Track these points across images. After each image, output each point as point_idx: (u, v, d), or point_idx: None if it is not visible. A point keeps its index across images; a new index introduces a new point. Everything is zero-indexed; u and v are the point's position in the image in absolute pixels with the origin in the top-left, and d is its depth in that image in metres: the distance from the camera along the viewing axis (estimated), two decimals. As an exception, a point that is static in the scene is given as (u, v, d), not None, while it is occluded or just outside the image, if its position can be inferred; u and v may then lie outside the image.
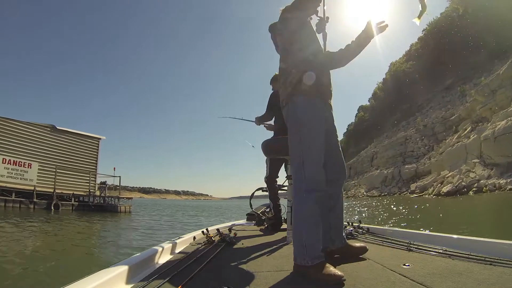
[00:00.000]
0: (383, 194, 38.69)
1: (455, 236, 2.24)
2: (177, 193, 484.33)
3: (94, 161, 23.92)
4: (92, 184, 22.81)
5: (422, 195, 27.43)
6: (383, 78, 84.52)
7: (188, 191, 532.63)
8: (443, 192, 22.90)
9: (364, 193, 44.12)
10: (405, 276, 1.53)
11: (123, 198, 23.37)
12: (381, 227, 3.04)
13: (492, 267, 1.59)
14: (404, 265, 1.73)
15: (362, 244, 1.98)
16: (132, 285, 1.47)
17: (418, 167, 37.03)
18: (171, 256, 2.16)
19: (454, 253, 1.87)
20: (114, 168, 24.92)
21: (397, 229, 2.98)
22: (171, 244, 2.32)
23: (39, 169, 20.05)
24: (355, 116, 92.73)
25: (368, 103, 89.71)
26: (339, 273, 1.51)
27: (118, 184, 23.77)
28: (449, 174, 25.87)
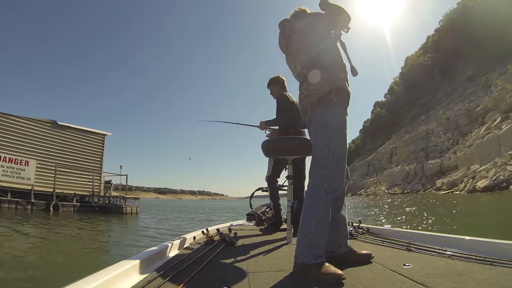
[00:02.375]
0: (405, 191, 36.61)
1: (455, 236, 2.22)
2: (192, 193, 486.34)
3: (99, 159, 22.16)
4: (97, 184, 21.34)
5: (452, 191, 25.29)
6: (400, 72, 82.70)
7: (203, 191, 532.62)
8: (479, 187, 20.78)
9: (385, 190, 42.04)
10: (405, 276, 1.53)
11: (129, 198, 21.49)
12: (381, 227, 3.03)
13: (492, 267, 1.58)
14: (404, 265, 1.73)
15: (367, 251, 1.95)
16: (132, 285, 1.46)
17: (443, 162, 34.97)
18: (171, 256, 2.15)
19: (454, 253, 1.87)
20: (121, 166, 23.50)
21: (397, 229, 2.96)
22: (171, 244, 2.32)
23: (37, 167, 18.47)
24: (371, 113, 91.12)
25: (384, 99, 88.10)
26: (339, 271, 1.55)
27: (125, 183, 22.11)
28: (481, 168, 23.81)
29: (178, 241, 2.50)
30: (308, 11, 2.12)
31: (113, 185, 21.59)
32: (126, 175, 21.91)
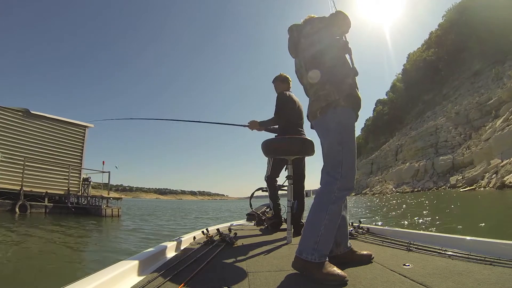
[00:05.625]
0: (416, 189, 34.46)
1: (455, 236, 2.21)
2: (193, 193, 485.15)
3: (78, 154, 19.24)
4: (74, 181, 18.58)
5: (474, 188, 22.94)
6: (402, 69, 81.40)
7: (204, 191, 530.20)
8: (510, 182, 18.55)
9: (393, 189, 40.01)
10: (405, 276, 1.52)
11: (110, 198, 18.96)
12: (381, 227, 3.00)
13: (492, 267, 1.57)
14: (404, 265, 1.72)
15: (368, 252, 1.95)
16: (132, 285, 1.46)
17: (455, 158, 33.03)
18: (171, 256, 2.15)
19: (454, 253, 1.86)
20: (103, 162, 20.43)
21: (397, 229, 2.90)
22: (171, 244, 2.32)
23: (1, 161, 15.75)
24: (373, 111, 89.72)
25: (386, 97, 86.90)
26: (343, 273, 1.54)
27: (108, 181, 19.64)
28: (505, 162, 21.71)
29: (178, 241, 2.47)
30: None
31: (91, 182, 18.86)
32: (109, 172, 19.46)
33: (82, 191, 18.69)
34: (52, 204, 16.55)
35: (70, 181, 18.04)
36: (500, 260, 1.62)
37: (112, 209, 17.41)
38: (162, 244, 2.26)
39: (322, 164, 1.91)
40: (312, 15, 2.13)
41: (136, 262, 1.67)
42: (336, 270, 1.55)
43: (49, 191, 16.87)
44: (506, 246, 1.79)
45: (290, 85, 3.90)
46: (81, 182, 18.94)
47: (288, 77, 3.90)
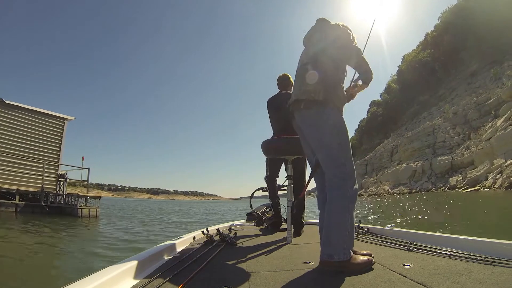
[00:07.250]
0: (414, 190, 33.52)
1: (455, 236, 2.17)
2: (185, 193, 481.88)
3: (55, 148, 17.72)
4: (51, 178, 17.00)
5: (477, 189, 21.96)
6: (397, 70, 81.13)
7: (196, 191, 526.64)
8: (521, 182, 17.50)
9: (390, 190, 39.00)
10: (405, 276, 1.50)
11: (87, 196, 17.50)
12: (381, 227, 2.98)
13: (492, 267, 1.55)
14: (404, 265, 1.70)
15: (368, 252, 1.93)
16: (132, 285, 1.46)
17: (454, 159, 31.99)
18: (171, 256, 2.14)
19: (454, 253, 1.83)
20: (83, 158, 18.95)
21: (397, 229, 2.88)
22: (171, 244, 2.31)
23: None
24: (367, 112, 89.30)
25: (380, 98, 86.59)
26: (367, 256, 1.71)
27: (87, 179, 17.92)
28: (509, 162, 20.88)
29: (178, 241, 2.46)
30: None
31: (67, 179, 17.28)
32: (88, 168, 17.87)
33: (58, 188, 17.18)
34: (23, 203, 15.06)
35: (45, 178, 16.42)
36: (500, 260, 1.61)
37: (89, 209, 16.04)
38: (162, 244, 2.26)
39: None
40: (343, 23, 2.15)
41: (136, 262, 1.66)
42: (360, 257, 1.70)
43: (20, 188, 15.35)
44: (506, 246, 1.78)
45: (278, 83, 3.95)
46: (57, 179, 17.43)
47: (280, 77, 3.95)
